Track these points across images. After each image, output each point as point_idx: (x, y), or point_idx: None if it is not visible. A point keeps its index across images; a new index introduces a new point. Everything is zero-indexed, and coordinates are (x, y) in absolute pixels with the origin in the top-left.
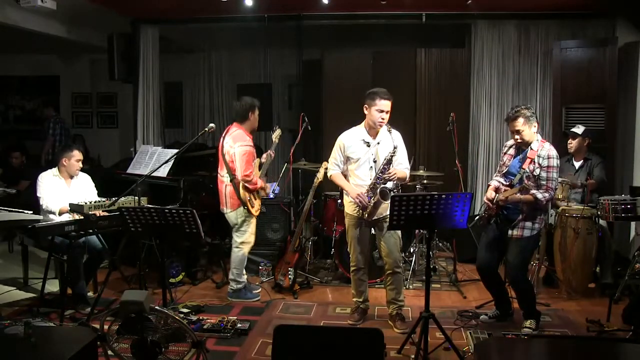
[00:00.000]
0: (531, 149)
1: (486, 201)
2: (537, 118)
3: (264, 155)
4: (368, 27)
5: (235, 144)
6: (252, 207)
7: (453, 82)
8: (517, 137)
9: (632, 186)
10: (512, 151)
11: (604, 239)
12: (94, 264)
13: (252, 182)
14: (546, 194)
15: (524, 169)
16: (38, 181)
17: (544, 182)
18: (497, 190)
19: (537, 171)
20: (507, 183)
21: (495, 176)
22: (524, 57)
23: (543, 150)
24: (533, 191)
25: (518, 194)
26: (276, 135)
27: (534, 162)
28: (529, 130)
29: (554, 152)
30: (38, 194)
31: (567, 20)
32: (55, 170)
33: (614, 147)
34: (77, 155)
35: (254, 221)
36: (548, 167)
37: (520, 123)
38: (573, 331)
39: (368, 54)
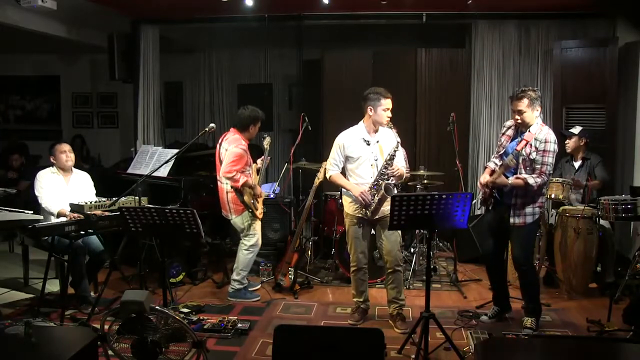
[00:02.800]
0: (529, 131)
1: (479, 185)
2: (541, 102)
3: (259, 161)
4: (368, 27)
5: (230, 146)
6: (257, 209)
7: (453, 82)
8: (517, 117)
9: (632, 186)
10: (510, 132)
11: (605, 239)
12: (95, 266)
13: (233, 178)
14: (538, 179)
15: (517, 150)
16: (36, 179)
17: (538, 166)
18: (492, 173)
19: (534, 155)
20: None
21: (493, 157)
22: (524, 57)
23: (541, 133)
24: (525, 175)
25: (511, 179)
26: (266, 142)
27: (531, 145)
28: (531, 112)
29: (552, 136)
30: (36, 193)
31: (567, 20)
32: (53, 167)
33: (614, 147)
34: (59, 147)
35: (259, 223)
36: (544, 150)
37: (524, 104)
38: (573, 331)
39: (368, 54)
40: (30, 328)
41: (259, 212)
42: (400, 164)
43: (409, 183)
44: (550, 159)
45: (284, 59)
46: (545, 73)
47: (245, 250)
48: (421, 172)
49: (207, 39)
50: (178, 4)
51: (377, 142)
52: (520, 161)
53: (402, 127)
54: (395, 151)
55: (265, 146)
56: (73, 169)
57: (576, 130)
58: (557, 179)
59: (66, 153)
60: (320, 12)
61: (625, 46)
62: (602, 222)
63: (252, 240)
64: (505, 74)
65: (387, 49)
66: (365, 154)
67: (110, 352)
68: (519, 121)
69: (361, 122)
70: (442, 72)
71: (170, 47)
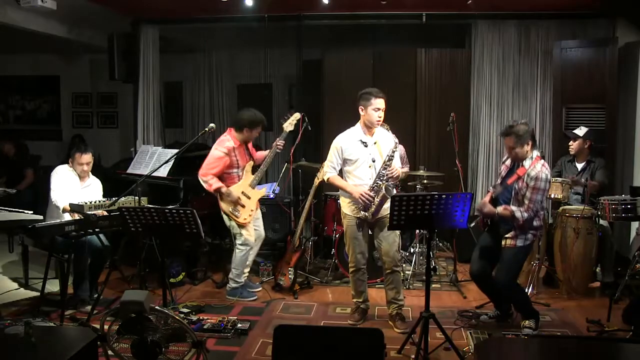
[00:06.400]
0: (522, 165)
1: (477, 208)
2: (533, 136)
3: (274, 145)
4: (368, 27)
5: (214, 146)
6: (237, 217)
7: (453, 82)
8: (510, 152)
9: (632, 186)
10: (509, 162)
11: (604, 239)
12: (97, 265)
13: (207, 182)
14: (525, 214)
15: (508, 183)
16: (52, 174)
17: (525, 202)
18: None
19: (524, 190)
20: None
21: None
22: (524, 57)
23: (533, 170)
24: (513, 208)
25: (499, 209)
26: (290, 122)
27: (523, 180)
28: (521, 148)
29: (544, 173)
30: (51, 186)
31: (567, 20)
32: (70, 164)
33: (614, 147)
34: (78, 159)
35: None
36: (534, 188)
37: (512, 141)
38: (573, 331)
39: (368, 54)
40: (30, 328)
41: (243, 218)
42: (397, 165)
43: (409, 183)
44: (539, 197)
45: (284, 59)
46: (545, 73)
47: (237, 248)
48: (421, 172)
49: (207, 39)
50: (178, 4)
51: (375, 143)
52: (514, 194)
53: (402, 127)
54: (393, 152)
55: (288, 126)
56: (90, 173)
57: (581, 132)
58: (556, 178)
59: (83, 166)
60: (320, 12)
61: (625, 46)
62: (601, 222)
63: (240, 239)
64: (505, 74)
65: (387, 49)
66: (364, 156)
67: (110, 352)
68: (513, 156)
69: (358, 124)
70: (442, 72)
71: (170, 47)
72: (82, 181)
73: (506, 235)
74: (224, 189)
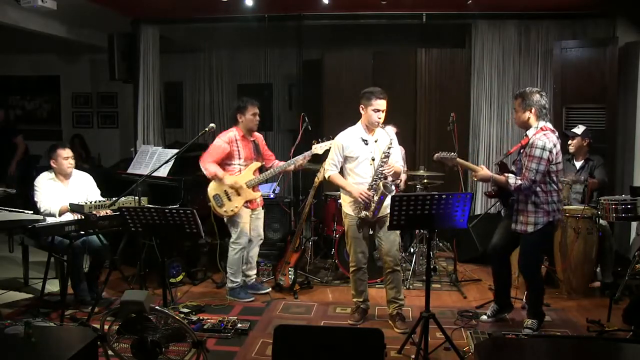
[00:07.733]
0: (526, 135)
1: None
2: (540, 108)
3: (299, 159)
4: (368, 27)
5: (219, 135)
6: (218, 207)
7: (453, 82)
8: (515, 115)
9: (632, 186)
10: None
11: (604, 239)
12: (96, 265)
13: (206, 169)
14: (519, 182)
15: (509, 152)
16: (34, 186)
17: (523, 170)
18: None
19: (524, 160)
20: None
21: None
22: (524, 57)
23: (533, 138)
24: (510, 175)
25: (495, 175)
26: (324, 146)
27: (525, 149)
28: (522, 113)
29: (541, 142)
30: (35, 199)
31: (567, 20)
32: (50, 173)
33: (614, 147)
34: (62, 153)
35: (243, 220)
36: (529, 155)
37: (516, 103)
38: (573, 331)
39: (368, 54)
40: (30, 328)
41: (222, 211)
42: (399, 164)
43: (409, 182)
44: (534, 165)
45: (284, 59)
46: (545, 73)
47: (229, 247)
48: (421, 172)
49: (207, 39)
50: (178, 4)
51: (376, 141)
52: (522, 167)
53: (402, 127)
54: (389, 149)
55: (318, 149)
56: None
57: (579, 130)
58: None
59: (69, 159)
60: (320, 12)
61: (625, 46)
62: (601, 222)
63: (232, 237)
64: (505, 74)
65: (387, 49)
66: (364, 154)
67: (110, 352)
68: (515, 119)
69: (359, 122)
70: (442, 72)
71: (170, 47)
72: (66, 182)
73: (515, 219)
74: (220, 173)
